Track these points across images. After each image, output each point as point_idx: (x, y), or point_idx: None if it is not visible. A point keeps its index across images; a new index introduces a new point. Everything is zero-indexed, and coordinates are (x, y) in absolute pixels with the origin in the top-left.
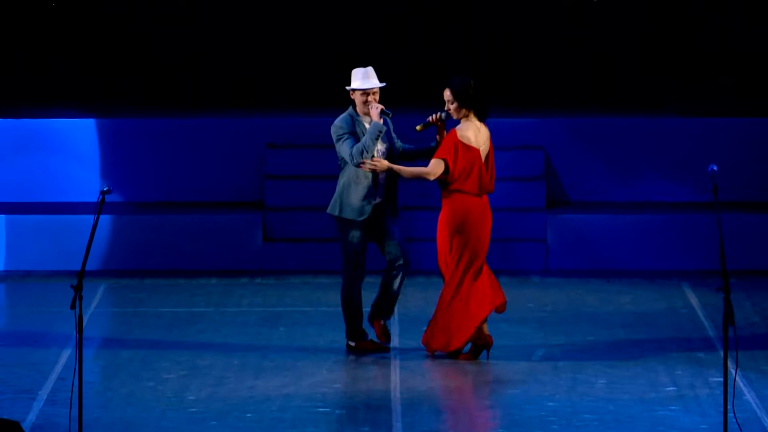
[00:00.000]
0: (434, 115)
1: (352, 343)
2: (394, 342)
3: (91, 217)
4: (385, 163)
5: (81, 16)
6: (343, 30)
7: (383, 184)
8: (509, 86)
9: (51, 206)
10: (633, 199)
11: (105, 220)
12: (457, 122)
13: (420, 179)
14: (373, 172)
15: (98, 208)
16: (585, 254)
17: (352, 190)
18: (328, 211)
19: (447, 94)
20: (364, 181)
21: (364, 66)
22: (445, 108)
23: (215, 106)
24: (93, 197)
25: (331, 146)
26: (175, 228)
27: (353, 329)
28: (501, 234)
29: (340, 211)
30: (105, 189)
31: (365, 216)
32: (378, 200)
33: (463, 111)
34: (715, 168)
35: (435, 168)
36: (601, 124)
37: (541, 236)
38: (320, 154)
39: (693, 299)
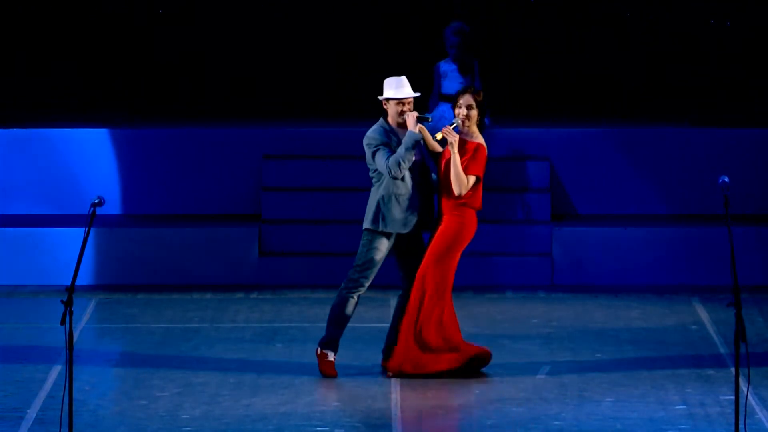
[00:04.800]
0: (446, 127)
1: (330, 357)
2: None
3: (81, 230)
4: (456, 143)
5: (80, 16)
6: (343, 30)
7: (422, 196)
8: (509, 88)
9: (40, 219)
10: (642, 212)
11: (96, 232)
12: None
13: (453, 183)
14: (403, 179)
15: (89, 220)
16: (592, 268)
17: (393, 203)
18: (367, 226)
19: (469, 99)
20: (405, 192)
21: (398, 75)
22: (462, 114)
23: (211, 114)
24: (84, 209)
25: (331, 157)
26: (168, 241)
27: (332, 338)
28: (505, 248)
29: (384, 225)
30: (96, 200)
31: (409, 228)
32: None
33: (477, 120)
34: (726, 180)
35: (470, 184)
36: (609, 134)
37: (546, 250)
38: (319, 166)
39: (703, 315)
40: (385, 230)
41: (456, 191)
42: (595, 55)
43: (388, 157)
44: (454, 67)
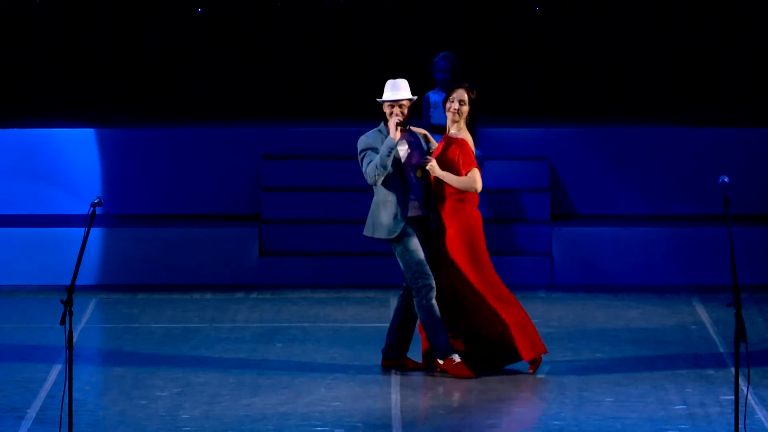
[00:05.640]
0: (425, 159)
1: (457, 359)
2: None
3: (81, 230)
4: (435, 168)
5: (80, 16)
6: (344, 30)
7: (421, 198)
8: (509, 88)
9: (40, 219)
10: (641, 212)
11: (96, 232)
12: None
13: (466, 190)
14: (404, 187)
15: (89, 220)
16: (592, 268)
17: (381, 210)
18: (364, 233)
19: (462, 95)
20: (392, 199)
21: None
22: (453, 108)
23: (211, 114)
24: (83, 209)
25: (331, 157)
26: (168, 241)
27: (442, 345)
28: (505, 247)
29: (373, 231)
30: (96, 200)
31: (397, 233)
32: (418, 213)
33: (467, 119)
34: (726, 179)
35: (478, 178)
36: (609, 134)
37: (546, 250)
38: (319, 166)
39: (703, 315)
40: (373, 236)
41: (475, 191)
42: (595, 55)
43: (369, 162)
44: (444, 96)
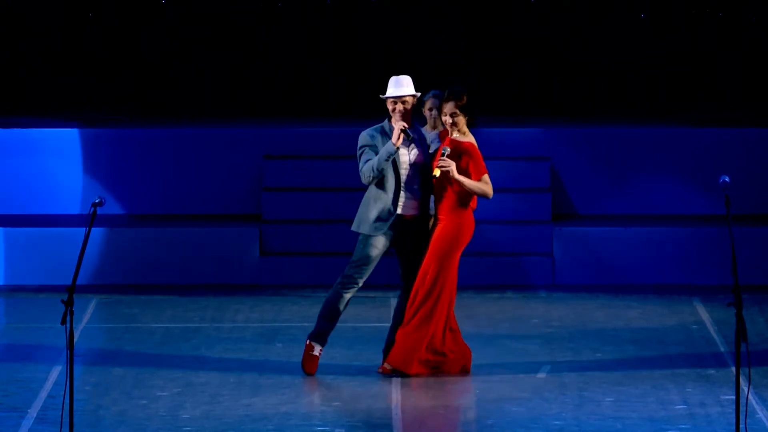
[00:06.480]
0: (438, 162)
1: (316, 351)
2: None
3: (82, 230)
4: (454, 172)
5: (80, 16)
6: (344, 30)
7: (419, 197)
8: (509, 88)
9: (41, 218)
10: (642, 212)
11: (97, 232)
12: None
13: (479, 196)
14: (397, 186)
15: (90, 220)
16: (593, 268)
17: (371, 206)
18: (351, 228)
19: (452, 107)
20: (384, 197)
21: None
22: (448, 123)
23: (211, 114)
24: (84, 209)
25: (331, 157)
26: (169, 241)
27: (321, 331)
28: (506, 248)
29: (358, 226)
30: (97, 201)
31: (381, 231)
32: (414, 213)
33: (466, 121)
34: (727, 179)
35: (490, 184)
36: (610, 134)
37: (547, 250)
38: (319, 166)
39: (704, 314)
40: (357, 231)
41: (488, 197)
42: (595, 55)
43: (366, 161)
44: (434, 135)
